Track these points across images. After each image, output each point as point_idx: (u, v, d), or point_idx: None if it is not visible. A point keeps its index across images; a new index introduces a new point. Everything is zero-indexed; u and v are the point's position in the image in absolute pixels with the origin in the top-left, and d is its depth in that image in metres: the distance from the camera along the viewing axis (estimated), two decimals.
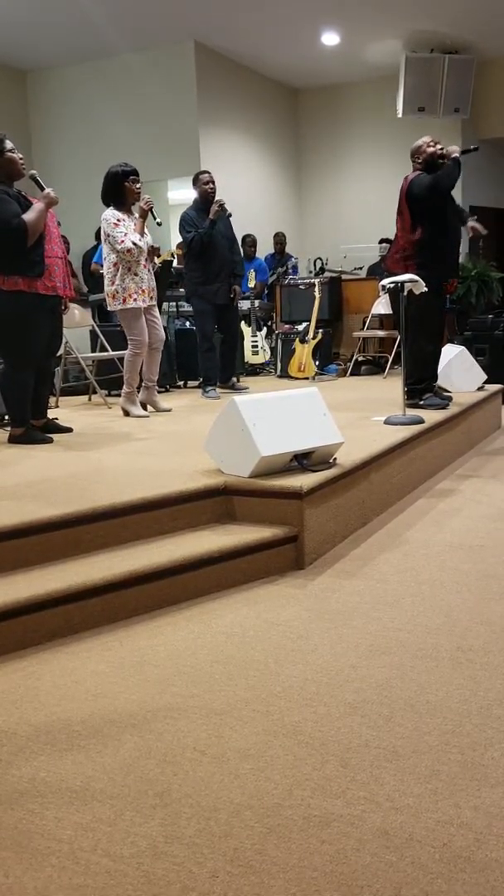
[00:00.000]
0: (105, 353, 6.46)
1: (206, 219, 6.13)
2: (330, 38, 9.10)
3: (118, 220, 5.08)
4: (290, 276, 8.96)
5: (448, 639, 2.41)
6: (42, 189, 4.25)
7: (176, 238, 8.75)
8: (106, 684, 2.20)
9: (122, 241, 5.03)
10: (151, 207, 5.19)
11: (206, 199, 6.21)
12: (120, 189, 5.12)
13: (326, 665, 2.26)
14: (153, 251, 5.28)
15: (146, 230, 5.24)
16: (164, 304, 7.39)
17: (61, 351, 6.25)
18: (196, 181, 6.30)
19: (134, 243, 5.05)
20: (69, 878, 1.47)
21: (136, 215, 5.19)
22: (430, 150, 4.88)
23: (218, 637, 2.48)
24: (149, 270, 5.27)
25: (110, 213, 5.12)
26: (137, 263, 5.14)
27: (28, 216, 4.07)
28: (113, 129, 9.45)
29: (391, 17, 8.51)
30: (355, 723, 1.95)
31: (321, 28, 8.82)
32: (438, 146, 4.90)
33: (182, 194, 9.49)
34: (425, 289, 4.55)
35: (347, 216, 10.90)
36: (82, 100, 9.65)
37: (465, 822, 1.58)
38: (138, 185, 5.18)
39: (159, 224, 5.28)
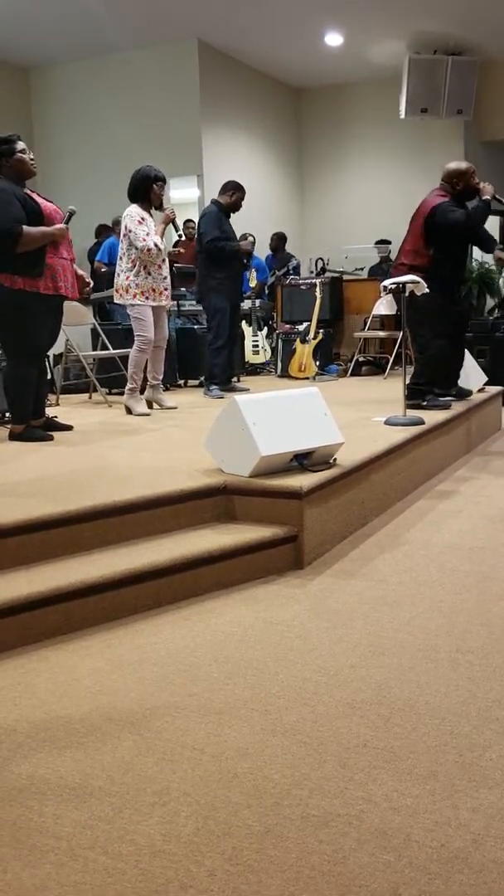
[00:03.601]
0: (106, 352, 6.46)
1: (226, 222, 6.24)
2: (333, 39, 9.10)
3: (142, 219, 5.21)
4: (292, 277, 8.96)
5: (447, 640, 2.41)
6: (66, 223, 4.28)
7: (173, 238, 8.77)
8: (105, 682, 2.20)
9: (144, 240, 5.16)
10: (174, 220, 5.40)
11: (234, 209, 6.31)
12: (147, 190, 5.29)
13: (325, 665, 2.26)
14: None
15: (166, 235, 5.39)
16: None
17: (62, 349, 6.25)
18: (237, 189, 6.30)
19: (155, 243, 5.19)
20: (67, 875, 1.47)
21: (159, 220, 5.34)
22: (475, 181, 4.84)
23: (217, 636, 2.48)
24: (167, 271, 5.39)
25: (135, 210, 5.24)
26: (153, 263, 5.25)
27: (30, 230, 4.06)
28: (115, 127, 9.45)
29: (394, 18, 8.51)
30: (354, 723, 1.95)
31: (325, 28, 8.82)
32: (476, 178, 4.88)
33: (183, 193, 9.50)
34: (427, 290, 4.57)
35: (349, 217, 10.90)
36: (85, 97, 9.65)
37: (462, 823, 1.58)
38: (163, 192, 5.36)
39: (180, 237, 5.46)
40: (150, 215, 5.32)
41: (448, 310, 4.93)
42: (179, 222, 5.75)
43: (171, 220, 5.39)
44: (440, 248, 4.80)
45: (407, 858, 1.48)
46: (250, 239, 6.20)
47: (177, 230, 5.46)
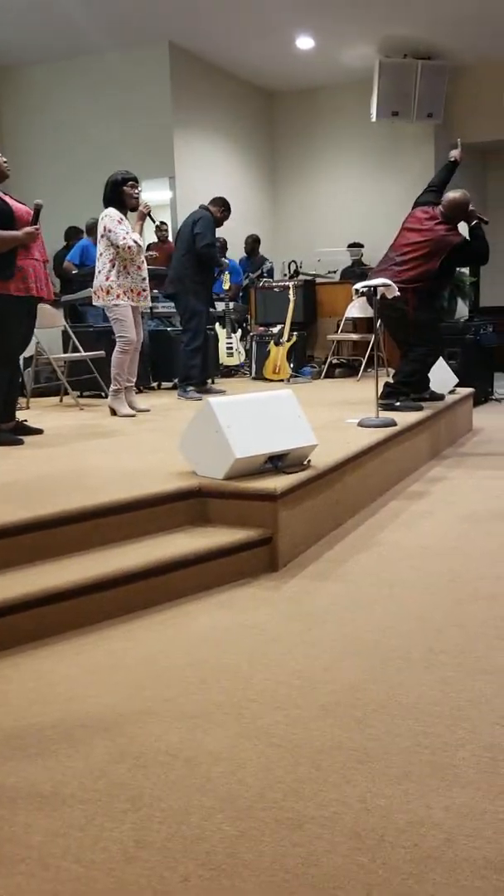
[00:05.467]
0: (77, 354, 6.42)
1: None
2: (305, 42, 9.13)
3: (121, 219, 5.27)
4: (265, 279, 8.97)
5: (420, 640, 2.42)
6: (34, 223, 4.23)
7: (150, 239, 8.73)
8: (78, 688, 2.18)
9: (125, 238, 5.20)
10: (149, 212, 5.46)
11: (219, 224, 6.40)
12: (120, 194, 5.33)
13: (299, 668, 2.26)
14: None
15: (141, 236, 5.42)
16: None
17: (32, 351, 6.20)
18: (221, 206, 6.39)
19: (135, 241, 5.25)
20: (39, 885, 1.45)
21: (135, 217, 5.39)
22: (472, 210, 5.12)
23: (191, 640, 2.47)
24: (146, 272, 5.43)
25: (113, 211, 5.29)
26: (132, 263, 5.29)
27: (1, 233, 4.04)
28: (87, 129, 9.39)
29: (365, 23, 8.56)
30: (328, 725, 1.96)
31: (296, 32, 8.84)
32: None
33: (156, 195, 9.46)
34: (398, 293, 4.68)
35: (321, 219, 10.93)
36: (56, 99, 9.58)
37: (435, 822, 1.58)
38: (137, 191, 5.39)
39: (157, 225, 5.51)
40: (126, 217, 5.35)
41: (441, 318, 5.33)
42: (148, 224, 5.77)
43: (146, 215, 5.44)
44: (448, 270, 5.17)
45: (381, 859, 1.48)
46: (224, 261, 6.38)
47: (154, 222, 5.53)
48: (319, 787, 1.71)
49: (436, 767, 1.77)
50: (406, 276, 4.97)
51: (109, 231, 5.23)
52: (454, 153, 5.44)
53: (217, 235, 7.48)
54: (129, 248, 5.20)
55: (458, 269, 6.15)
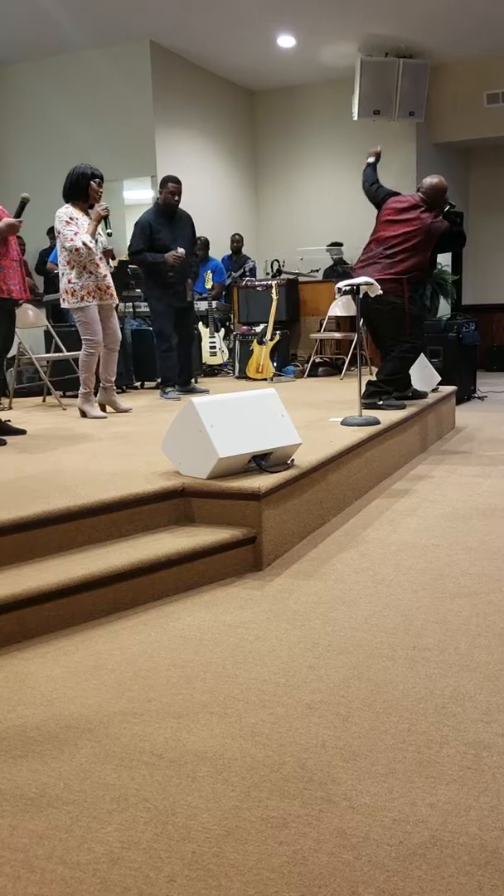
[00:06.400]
0: (60, 354, 6.39)
1: (164, 224, 6.11)
2: (286, 41, 9.14)
3: (70, 219, 5.10)
4: (248, 278, 8.97)
5: (404, 638, 2.43)
6: (18, 216, 4.19)
7: (102, 240, 8.70)
8: (62, 689, 2.17)
9: (72, 240, 5.05)
10: (106, 216, 5.24)
11: (168, 205, 6.15)
12: (83, 189, 5.17)
13: (284, 666, 2.27)
14: (107, 253, 5.29)
15: (99, 233, 5.24)
16: (121, 305, 7.34)
17: (14, 352, 6.16)
18: (163, 185, 6.17)
19: (84, 243, 5.05)
20: (24, 887, 1.45)
21: (91, 217, 5.19)
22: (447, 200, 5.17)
23: (175, 640, 2.47)
24: (106, 269, 5.27)
25: (63, 212, 5.13)
26: (91, 262, 5.14)
27: None
28: (68, 128, 9.35)
29: (346, 21, 8.58)
30: (312, 723, 1.96)
31: (277, 30, 8.85)
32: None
33: (138, 194, 9.45)
34: (380, 291, 4.66)
35: (303, 218, 10.95)
36: (37, 97, 9.53)
37: (420, 819, 1.59)
38: (101, 191, 5.24)
39: (109, 235, 5.35)
40: (87, 214, 5.19)
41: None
42: (129, 223, 5.66)
43: (102, 218, 5.21)
44: (432, 261, 5.17)
45: (366, 857, 1.49)
46: (179, 251, 6.07)
47: (107, 227, 5.27)
48: (305, 786, 1.71)
49: (420, 764, 1.78)
50: (400, 269, 4.95)
51: (58, 233, 5.11)
52: (373, 153, 5.55)
53: (198, 235, 7.47)
54: (76, 249, 5.03)
55: (438, 264, 6.21)
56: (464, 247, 5.36)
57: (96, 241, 5.17)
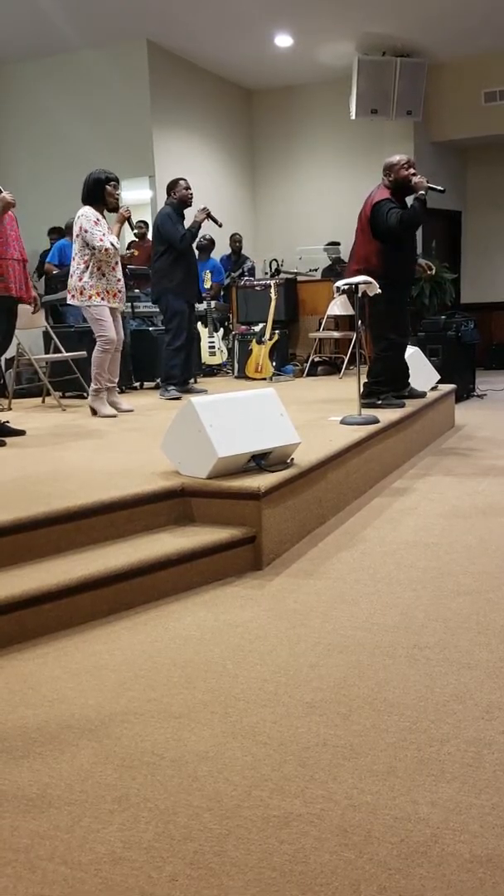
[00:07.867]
0: (59, 355, 6.39)
1: (179, 221, 6.17)
2: (283, 40, 9.14)
3: (98, 220, 5.22)
4: (247, 278, 8.97)
5: (405, 636, 2.43)
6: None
7: (129, 239, 8.70)
8: (62, 690, 2.17)
9: (101, 240, 5.16)
10: (129, 217, 5.42)
11: (184, 204, 6.24)
12: (100, 193, 5.29)
13: (285, 665, 2.27)
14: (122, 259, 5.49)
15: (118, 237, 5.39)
16: None
17: (13, 352, 6.16)
18: (175, 185, 6.26)
19: (112, 244, 5.20)
20: (26, 887, 1.45)
21: (114, 220, 5.36)
22: (404, 173, 4.84)
23: (176, 640, 2.47)
24: (121, 273, 5.40)
25: (90, 211, 5.23)
26: (108, 264, 5.25)
27: None
28: (65, 128, 9.35)
29: (343, 20, 8.58)
30: (313, 722, 1.96)
31: (274, 30, 8.85)
32: (412, 170, 4.86)
33: (135, 194, 9.44)
34: (379, 290, 4.63)
35: (302, 217, 10.95)
36: (35, 97, 9.53)
37: (422, 817, 1.59)
38: (118, 192, 5.36)
39: (136, 233, 5.53)
40: (104, 217, 5.31)
41: (405, 310, 5.04)
42: (133, 223, 5.76)
43: (126, 219, 5.41)
44: (390, 247, 4.83)
45: (367, 855, 1.49)
46: (201, 216, 6.18)
47: (132, 228, 5.50)
48: (306, 785, 1.71)
49: (422, 763, 1.78)
50: (354, 267, 4.85)
51: (85, 231, 5.18)
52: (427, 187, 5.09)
53: (203, 233, 7.48)
54: (105, 249, 5.16)
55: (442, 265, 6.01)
56: (410, 229, 4.81)
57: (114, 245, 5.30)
